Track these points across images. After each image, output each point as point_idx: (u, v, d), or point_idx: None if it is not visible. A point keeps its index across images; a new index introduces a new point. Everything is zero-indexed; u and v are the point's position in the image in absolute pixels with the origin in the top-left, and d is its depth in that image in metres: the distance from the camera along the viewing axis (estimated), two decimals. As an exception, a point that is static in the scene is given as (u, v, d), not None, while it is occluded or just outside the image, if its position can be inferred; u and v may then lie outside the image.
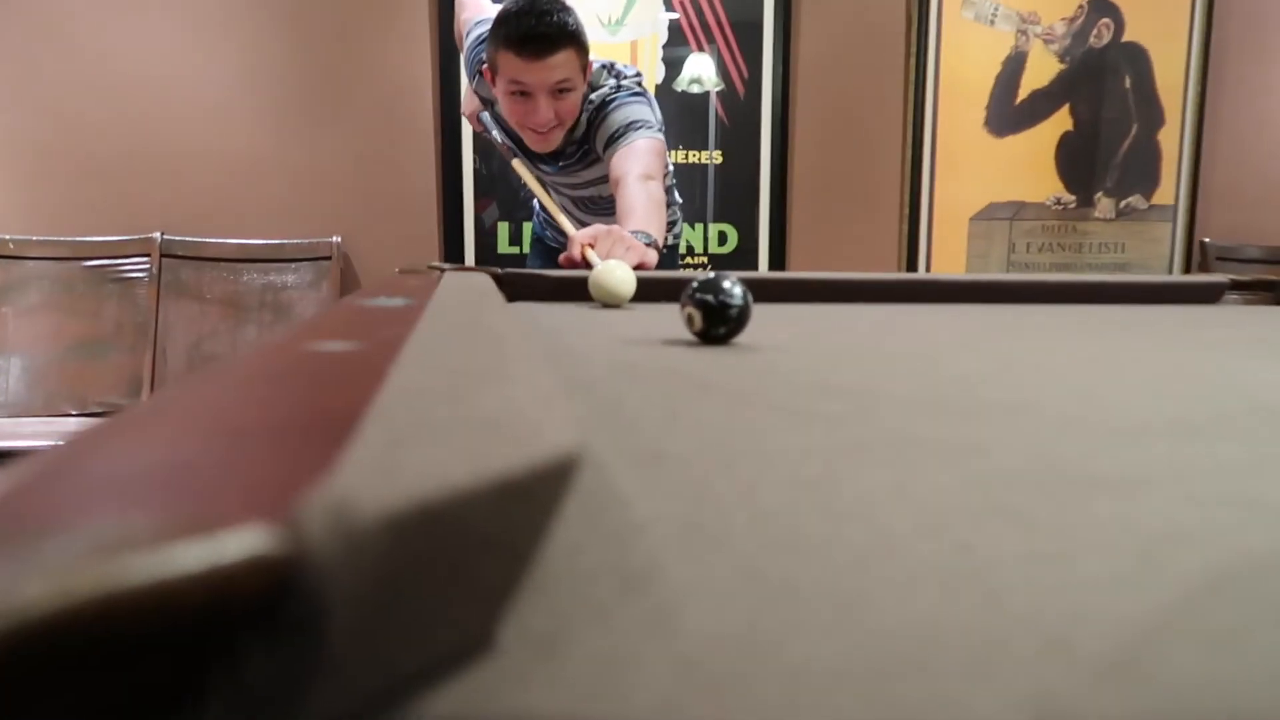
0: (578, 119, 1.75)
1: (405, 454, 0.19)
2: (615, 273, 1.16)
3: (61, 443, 0.23)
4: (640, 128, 1.71)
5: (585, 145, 1.80)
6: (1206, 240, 3.40)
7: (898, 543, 0.29)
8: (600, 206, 1.93)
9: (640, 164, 1.64)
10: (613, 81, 1.77)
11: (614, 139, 1.71)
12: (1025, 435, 0.47)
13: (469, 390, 0.27)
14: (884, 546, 0.28)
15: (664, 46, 3.13)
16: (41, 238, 2.82)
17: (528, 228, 2.94)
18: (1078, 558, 0.27)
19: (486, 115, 1.94)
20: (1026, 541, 0.29)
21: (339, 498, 0.16)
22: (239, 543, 0.14)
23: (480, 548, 0.19)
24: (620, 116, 1.73)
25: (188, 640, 0.14)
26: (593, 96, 1.75)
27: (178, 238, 2.88)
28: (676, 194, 2.10)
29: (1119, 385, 0.66)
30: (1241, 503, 0.35)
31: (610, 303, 1.18)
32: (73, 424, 2.63)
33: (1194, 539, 0.30)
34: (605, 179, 1.79)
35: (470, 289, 0.83)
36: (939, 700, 0.18)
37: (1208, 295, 1.55)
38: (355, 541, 0.15)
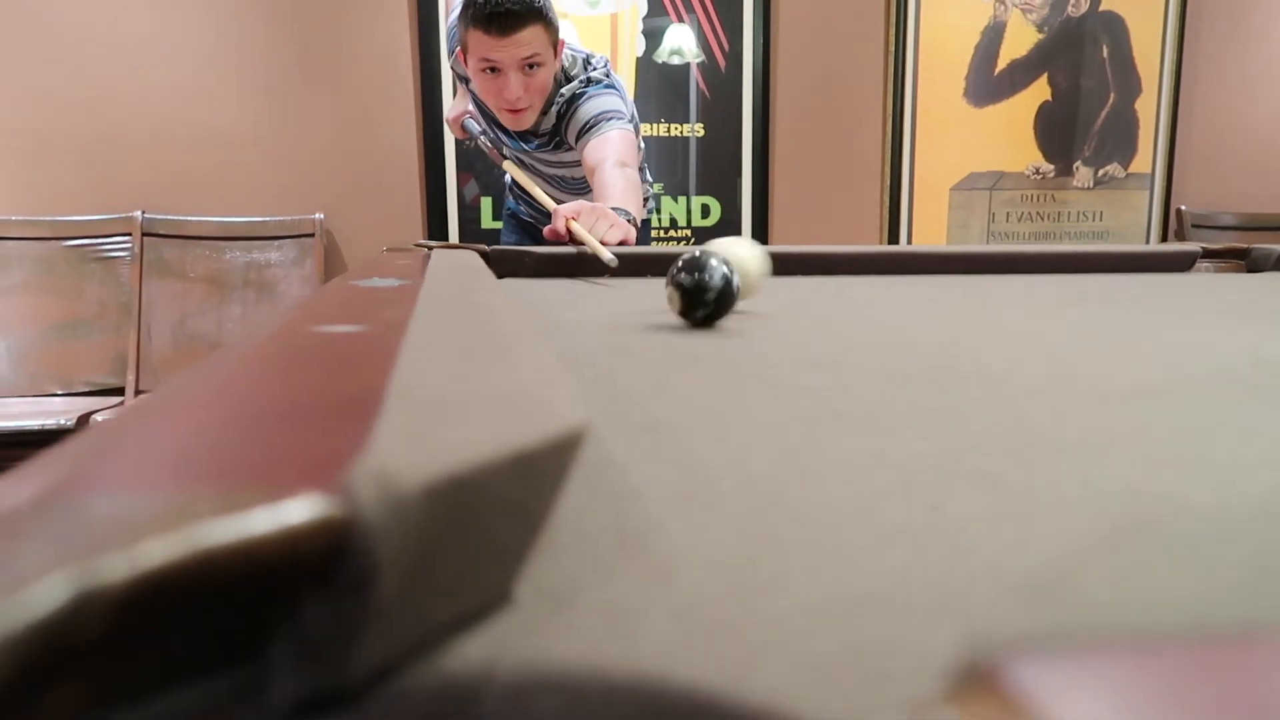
0: (547, 111, 1.77)
1: (431, 430, 0.22)
2: (750, 262, 0.91)
3: (103, 421, 0.25)
4: (612, 119, 1.73)
5: (557, 137, 1.82)
6: (1183, 208, 3.45)
7: (873, 504, 0.31)
8: (573, 186, 1.97)
9: (615, 151, 1.67)
10: (583, 75, 1.80)
11: (585, 130, 1.74)
12: (997, 404, 0.50)
13: (478, 370, 0.30)
14: (860, 508, 0.31)
15: (644, 18, 3.12)
16: (21, 218, 2.80)
17: (511, 203, 2.95)
18: (1036, 516, 0.30)
19: (471, 122, 1.95)
20: (991, 502, 0.32)
21: (383, 469, 0.18)
22: (303, 509, 0.16)
23: (499, 512, 0.21)
24: (590, 109, 1.75)
25: (262, 590, 0.16)
26: (563, 91, 1.77)
27: (159, 216, 2.86)
28: (648, 174, 2.15)
29: (1089, 354, 0.69)
30: (1191, 463, 0.37)
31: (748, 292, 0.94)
32: (58, 404, 2.63)
33: (1143, 496, 0.32)
34: (579, 162, 1.82)
35: (462, 268, 0.85)
36: (906, 638, 0.21)
37: (1180, 264, 1.59)
38: (398, 507, 0.18)
